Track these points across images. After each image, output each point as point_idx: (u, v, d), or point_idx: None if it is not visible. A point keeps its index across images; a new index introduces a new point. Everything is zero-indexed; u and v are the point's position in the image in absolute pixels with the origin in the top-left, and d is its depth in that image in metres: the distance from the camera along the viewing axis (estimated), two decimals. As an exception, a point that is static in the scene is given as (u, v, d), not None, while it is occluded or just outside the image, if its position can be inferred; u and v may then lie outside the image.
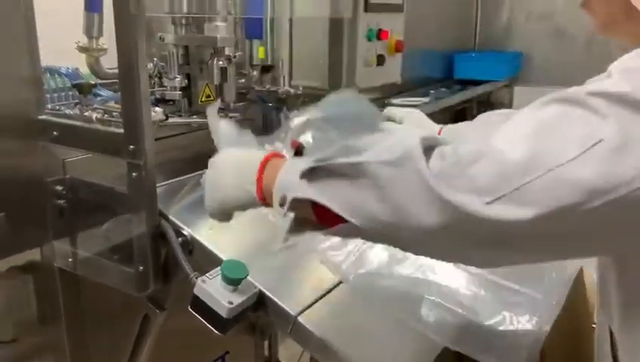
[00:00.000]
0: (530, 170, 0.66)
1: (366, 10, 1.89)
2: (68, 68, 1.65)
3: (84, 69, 1.75)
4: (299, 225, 0.90)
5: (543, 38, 5.40)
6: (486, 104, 5.64)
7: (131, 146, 1.23)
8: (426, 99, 2.75)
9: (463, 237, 0.72)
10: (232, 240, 1.34)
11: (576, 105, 0.69)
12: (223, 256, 1.21)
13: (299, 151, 1.32)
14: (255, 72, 1.91)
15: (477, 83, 4.93)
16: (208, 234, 1.29)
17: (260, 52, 1.87)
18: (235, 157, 1.01)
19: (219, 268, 1.13)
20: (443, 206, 0.69)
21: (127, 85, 1.20)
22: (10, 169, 1.34)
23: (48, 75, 1.63)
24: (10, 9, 1.28)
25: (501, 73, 5.15)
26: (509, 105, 5.58)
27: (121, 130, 1.25)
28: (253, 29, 1.85)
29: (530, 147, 0.68)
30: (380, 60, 2.01)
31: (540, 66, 5.48)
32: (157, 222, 1.28)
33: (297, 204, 0.84)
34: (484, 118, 1.43)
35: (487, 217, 0.67)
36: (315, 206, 0.82)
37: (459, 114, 5.51)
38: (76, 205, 1.43)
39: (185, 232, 1.28)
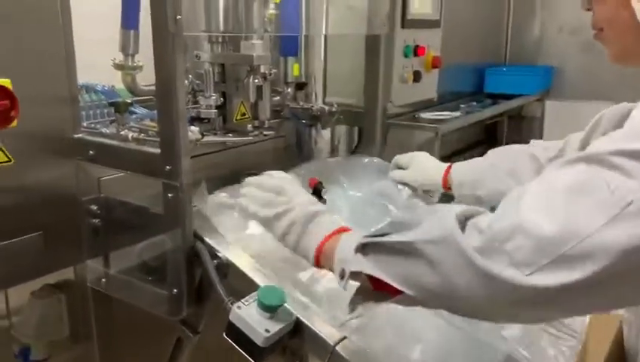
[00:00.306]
0: (565, 240, 0.68)
1: (403, 26, 1.85)
2: (104, 85, 1.64)
3: (115, 83, 1.77)
4: (361, 296, 0.97)
5: (575, 51, 5.28)
6: (517, 118, 5.56)
7: (168, 167, 1.21)
8: (456, 114, 2.70)
9: (511, 303, 0.76)
10: (268, 262, 1.31)
11: (601, 166, 0.70)
12: (259, 281, 1.18)
13: (317, 188, 1.42)
14: (289, 90, 1.89)
15: (508, 97, 4.85)
16: (243, 256, 1.27)
17: (294, 69, 1.85)
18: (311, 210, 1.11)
19: (255, 293, 1.10)
20: (487, 279, 0.73)
21: (165, 105, 1.18)
22: (46, 187, 1.33)
23: (84, 92, 1.63)
24: (48, 28, 1.29)
25: (532, 87, 5.05)
26: (541, 120, 5.51)
27: (158, 150, 1.23)
28: (288, 46, 1.83)
29: (562, 217, 0.70)
30: (417, 77, 1.96)
31: (572, 80, 5.36)
32: (192, 244, 1.26)
33: (355, 276, 0.93)
34: (495, 154, 1.44)
35: (530, 285, 0.70)
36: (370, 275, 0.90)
37: (490, 128, 5.42)
38: (110, 224, 1.41)
39: (220, 254, 1.25)
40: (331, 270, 1.01)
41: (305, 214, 1.08)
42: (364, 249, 0.90)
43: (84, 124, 1.51)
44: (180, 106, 1.15)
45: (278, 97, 1.86)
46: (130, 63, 1.58)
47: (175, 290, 1.27)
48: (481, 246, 0.74)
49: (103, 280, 1.42)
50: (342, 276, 0.94)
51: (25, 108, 1.23)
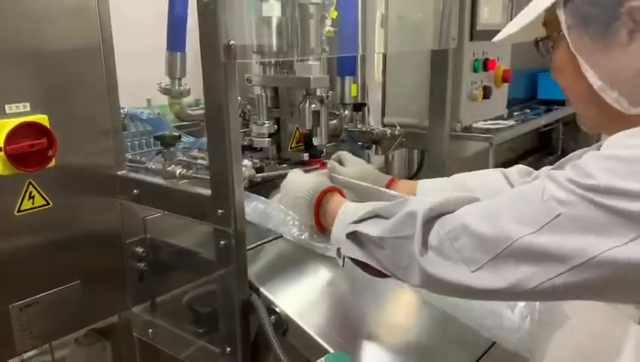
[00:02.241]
0: (500, 241, 0.75)
1: (472, 38, 1.67)
2: (149, 113, 1.53)
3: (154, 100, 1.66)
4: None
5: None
6: (573, 125, 5.24)
7: (220, 211, 1.07)
8: (510, 122, 2.51)
9: (455, 294, 0.91)
10: (331, 318, 1.16)
11: (551, 182, 0.74)
12: (326, 344, 1.02)
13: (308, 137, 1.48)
14: (347, 112, 1.73)
15: (562, 103, 4.57)
16: (303, 309, 1.12)
17: (352, 90, 1.69)
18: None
19: (322, 360, 0.95)
20: (434, 280, 0.83)
21: (216, 142, 1.04)
22: (87, 231, 1.22)
23: (129, 121, 1.52)
24: (88, 57, 1.17)
25: (589, 92, 4.72)
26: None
27: (208, 192, 1.09)
28: (346, 65, 1.68)
29: (500, 220, 0.76)
30: (487, 93, 1.78)
31: (633, 82, 5.01)
32: (247, 297, 1.11)
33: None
34: (464, 174, 1.34)
35: (473, 286, 0.78)
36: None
37: (544, 136, 5.15)
38: (157, 268, 1.29)
39: (278, 309, 1.10)
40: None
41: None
42: (353, 236, 0.98)
43: (129, 156, 1.40)
44: (233, 145, 1.01)
45: (334, 120, 1.71)
46: (177, 87, 1.47)
47: (229, 348, 1.13)
48: (437, 245, 0.82)
49: (150, 330, 1.29)
50: (338, 255, 1.03)
51: (64, 144, 1.13)
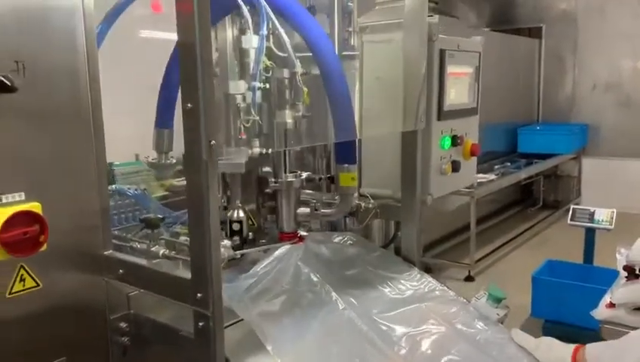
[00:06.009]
0: None
1: (439, 118, 1.79)
2: (135, 189, 1.61)
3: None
4: None
5: (610, 108, 5.21)
6: (553, 177, 5.41)
7: (199, 294, 1.14)
8: (491, 176, 2.61)
9: None
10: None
11: None
12: None
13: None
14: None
15: (541, 156, 4.75)
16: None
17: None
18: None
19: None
20: None
21: (196, 232, 1.13)
22: (74, 308, 1.28)
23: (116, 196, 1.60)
24: (81, 147, 1.26)
25: (568, 146, 4.93)
26: (578, 178, 5.35)
27: (189, 275, 1.17)
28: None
29: None
30: (455, 167, 1.89)
31: (608, 137, 5.26)
32: (224, 379, 1.18)
33: None
34: None
35: None
36: None
37: (525, 188, 5.30)
38: (140, 343, 1.35)
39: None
40: None
41: None
42: None
43: (115, 232, 1.48)
44: (212, 234, 1.10)
45: (311, 191, 1.81)
46: (163, 161, 1.56)
47: None
48: None
49: (132, 407, 1.35)
50: None
51: (55, 227, 1.19)
